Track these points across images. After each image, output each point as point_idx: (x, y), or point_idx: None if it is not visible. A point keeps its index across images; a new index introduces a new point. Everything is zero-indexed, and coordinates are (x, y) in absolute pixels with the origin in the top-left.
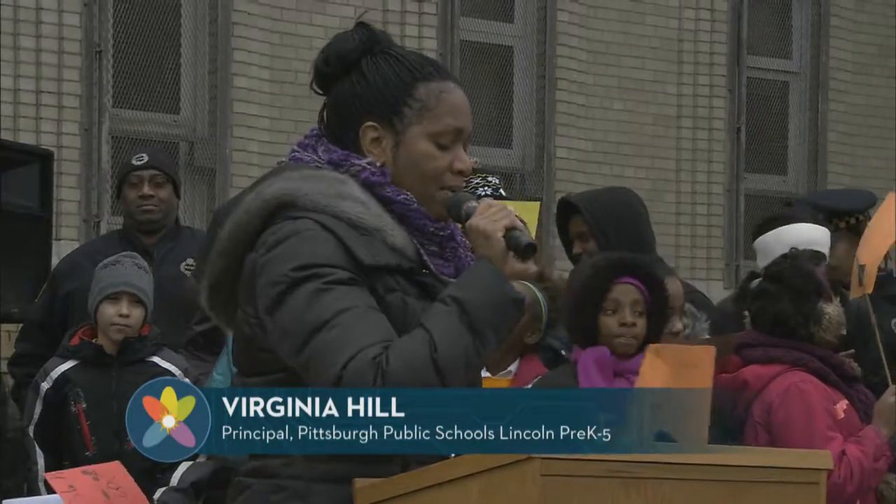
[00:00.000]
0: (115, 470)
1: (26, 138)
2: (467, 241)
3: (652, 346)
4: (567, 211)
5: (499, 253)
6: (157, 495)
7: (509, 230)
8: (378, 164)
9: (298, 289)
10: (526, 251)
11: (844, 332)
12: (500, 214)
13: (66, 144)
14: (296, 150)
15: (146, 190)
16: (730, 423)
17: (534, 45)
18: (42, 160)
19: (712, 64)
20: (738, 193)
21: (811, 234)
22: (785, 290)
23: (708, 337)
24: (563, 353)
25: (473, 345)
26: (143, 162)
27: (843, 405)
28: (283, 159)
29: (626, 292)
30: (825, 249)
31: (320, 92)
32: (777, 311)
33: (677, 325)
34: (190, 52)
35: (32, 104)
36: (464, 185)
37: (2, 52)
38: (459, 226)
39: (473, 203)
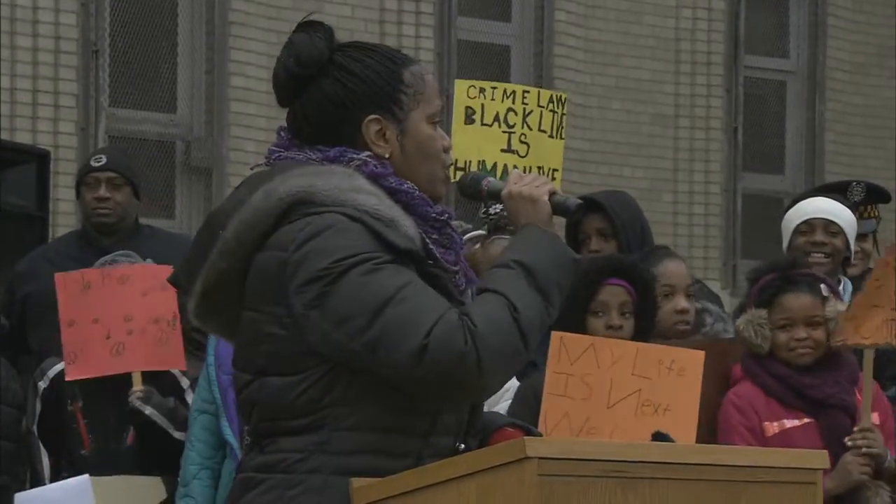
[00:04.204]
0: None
1: (23, 138)
2: (455, 224)
3: (556, 335)
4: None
5: (545, 217)
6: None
7: (552, 194)
8: (386, 155)
9: (346, 276)
10: (576, 212)
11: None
12: (540, 181)
13: (62, 144)
14: (279, 151)
15: (102, 192)
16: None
17: (531, 44)
18: (39, 160)
19: (710, 63)
20: (735, 193)
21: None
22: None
23: (732, 338)
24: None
25: (544, 306)
26: (101, 163)
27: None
28: (260, 164)
29: (614, 294)
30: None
31: (287, 97)
32: None
33: (682, 303)
34: (187, 51)
35: (29, 104)
36: (450, 163)
37: None
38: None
39: (491, 178)
